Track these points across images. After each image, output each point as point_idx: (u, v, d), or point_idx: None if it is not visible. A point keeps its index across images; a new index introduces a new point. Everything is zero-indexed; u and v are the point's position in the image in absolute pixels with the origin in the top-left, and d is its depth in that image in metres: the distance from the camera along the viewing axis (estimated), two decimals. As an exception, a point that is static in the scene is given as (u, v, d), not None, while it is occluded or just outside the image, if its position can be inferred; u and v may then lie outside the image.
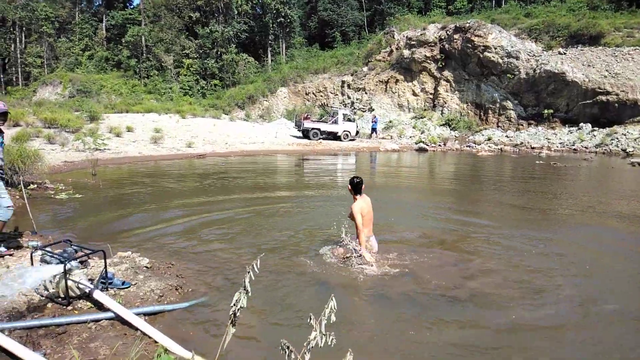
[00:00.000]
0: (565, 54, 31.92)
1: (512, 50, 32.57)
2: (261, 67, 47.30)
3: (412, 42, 37.23)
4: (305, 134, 27.42)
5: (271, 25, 47.10)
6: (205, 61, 43.88)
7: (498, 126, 33.24)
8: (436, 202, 10.33)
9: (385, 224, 7.84)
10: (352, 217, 5.55)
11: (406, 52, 37.12)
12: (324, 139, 27.28)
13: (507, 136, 30.49)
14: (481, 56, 33.59)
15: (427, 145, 26.14)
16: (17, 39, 49.33)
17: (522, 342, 3.81)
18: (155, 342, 3.35)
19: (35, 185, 9.99)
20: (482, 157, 22.00)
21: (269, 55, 48.07)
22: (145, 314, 3.84)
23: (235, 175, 14.38)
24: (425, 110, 36.62)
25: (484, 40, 33.45)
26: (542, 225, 8.22)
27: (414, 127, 33.29)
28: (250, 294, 2.04)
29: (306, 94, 41.21)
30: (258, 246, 6.37)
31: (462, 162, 20.30)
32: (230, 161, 18.21)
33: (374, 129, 31.22)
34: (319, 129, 27.43)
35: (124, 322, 3.60)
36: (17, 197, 8.21)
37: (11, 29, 48.95)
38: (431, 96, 37.09)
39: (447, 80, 36.27)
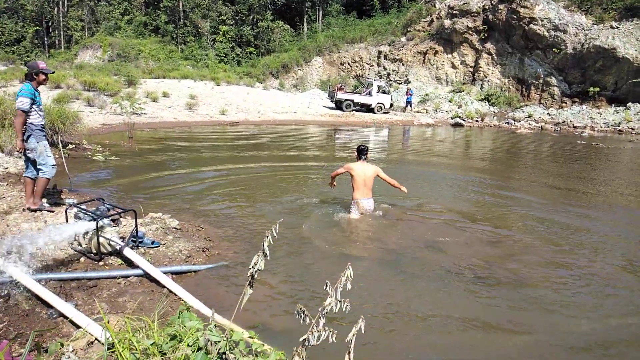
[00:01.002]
0: (617, 27, 29.98)
1: (560, 23, 30.86)
2: (297, 35, 46.67)
3: (454, 12, 35.79)
4: (338, 105, 27.14)
5: (308, -8, 46.18)
6: (241, 28, 43.66)
7: (540, 103, 31.91)
8: (468, 178, 10.08)
9: (416, 197, 7.74)
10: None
11: (447, 22, 35.77)
12: (357, 110, 26.95)
13: (548, 114, 29.26)
14: (526, 28, 32.02)
15: (464, 120, 25.40)
16: (60, 2, 50.41)
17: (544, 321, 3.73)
18: (181, 299, 3.45)
19: (74, 146, 10.36)
20: (520, 135, 21.25)
21: (305, 23, 47.31)
22: (172, 273, 3.96)
23: (266, 144, 14.47)
24: (464, 84, 35.45)
25: (531, 12, 31.78)
26: (579, 206, 7.92)
27: (450, 102, 32.35)
28: (268, 257, 2.04)
29: (341, 64, 40.55)
30: (286, 213, 6.42)
31: (499, 139, 19.68)
32: (262, 130, 18.30)
33: (408, 102, 30.46)
34: (352, 101, 27.07)
35: (152, 279, 3.72)
36: (57, 156, 8.51)
37: (54, -7, 49.98)
38: (471, 69, 35.83)
39: (489, 53, 34.87)
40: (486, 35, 34.47)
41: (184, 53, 43.68)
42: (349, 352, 1.71)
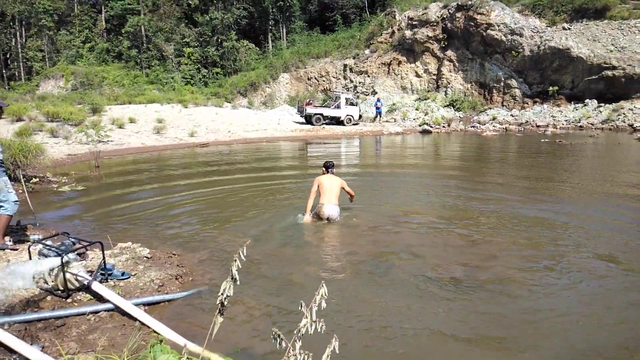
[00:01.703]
0: (569, 29, 31.34)
1: (516, 27, 32.05)
2: (262, 53, 46.87)
3: (414, 22, 36.69)
4: (308, 120, 27.28)
5: (271, 10, 46.53)
6: (206, 49, 43.55)
7: (503, 105, 32.87)
8: (441, 182, 10.25)
9: (391, 204, 7.81)
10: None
11: (408, 33, 36.62)
12: (327, 124, 27.13)
13: (512, 115, 30.15)
14: (484, 34, 33.08)
15: (431, 126, 25.91)
16: (17, 33, 49.20)
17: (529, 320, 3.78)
18: (154, 331, 3.35)
19: (38, 179, 10.03)
20: (486, 138, 21.80)
21: (270, 41, 47.60)
22: (144, 304, 3.84)
23: (237, 163, 14.37)
24: (429, 91, 36.25)
25: (487, 18, 32.91)
26: (551, 202, 8.14)
27: (417, 109, 32.99)
28: (238, 282, 2.00)
29: (308, 79, 40.89)
30: (258, 231, 6.36)
31: (467, 143, 20.13)
32: (233, 149, 18.19)
33: (378, 112, 30.87)
34: (321, 114, 27.28)
35: (124, 312, 3.60)
36: (20, 191, 8.23)
37: (11, 24, 48.83)
38: (434, 77, 36.68)
39: (450, 60, 35.81)
40: (446, 43, 35.43)
41: (149, 77, 43.19)
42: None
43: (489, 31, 32.88)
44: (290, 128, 25.51)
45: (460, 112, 32.23)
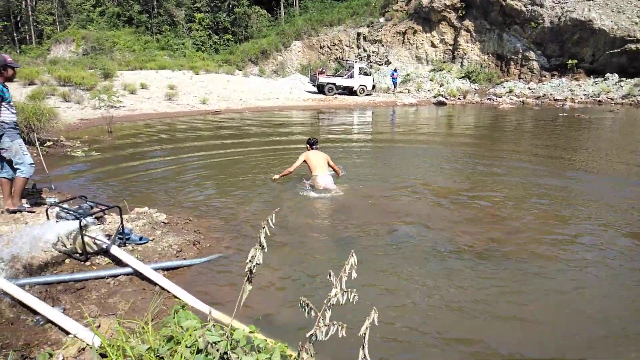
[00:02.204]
0: (593, 0, 30.20)
1: (537, -3, 30.96)
2: (274, 20, 45.94)
3: (432, -11, 35.55)
4: (321, 89, 26.87)
5: (284, -25, 45.34)
6: (217, 15, 42.76)
7: (520, 78, 32.09)
8: (458, 154, 10.04)
9: (409, 175, 7.69)
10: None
11: (425, 1, 35.55)
12: (339, 93, 26.71)
13: (529, 88, 29.43)
14: (504, 4, 32.01)
15: (446, 98, 25.37)
16: (27, -5, 48.61)
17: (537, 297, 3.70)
18: (174, 296, 3.32)
19: (52, 143, 10.01)
20: (503, 110, 21.33)
21: (282, 8, 46.54)
22: (163, 269, 3.81)
23: (250, 130, 14.24)
24: (444, 62, 35.44)
25: (508, -14, 31.78)
26: (572, 175, 7.95)
27: (432, 80, 32.32)
28: (266, 250, 1.92)
29: (321, 47, 40.11)
30: (274, 200, 6.30)
31: (483, 115, 19.73)
32: (245, 117, 18.01)
33: (394, 83, 30.19)
34: (334, 84, 26.82)
35: (143, 277, 3.58)
36: (34, 154, 8.21)
37: (21, -15, 48.21)
38: (451, 47, 35.79)
39: (468, 30, 34.82)
40: (464, 12, 34.38)
41: (159, 43, 42.70)
42: (363, 347, 1.61)
43: (508, 1, 31.79)
44: (303, 97, 25.16)
45: (476, 84, 31.54)
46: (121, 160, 9.31)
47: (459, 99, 25.70)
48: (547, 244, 4.76)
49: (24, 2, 48.94)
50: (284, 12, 46.44)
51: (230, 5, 42.94)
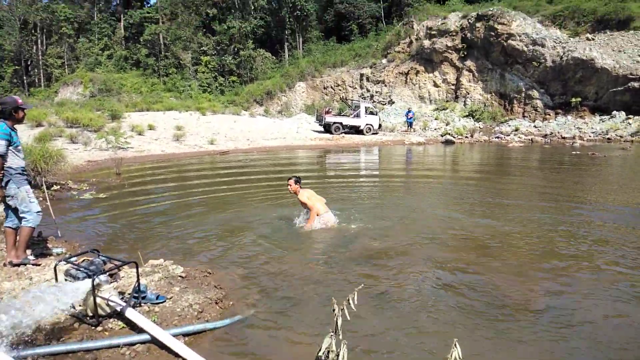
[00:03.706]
0: (593, 39, 30.66)
1: (538, 38, 31.45)
2: (278, 62, 46.77)
3: (433, 32, 36.28)
4: (327, 129, 26.83)
5: (287, 20, 46.49)
6: (223, 58, 43.57)
7: (524, 116, 32.13)
8: (476, 195, 9.67)
9: (424, 217, 7.28)
10: (305, 204, 6.65)
11: (426, 43, 36.21)
12: (346, 133, 26.65)
13: (535, 126, 29.35)
14: (505, 44, 32.50)
15: (454, 137, 25.23)
16: (39, 41, 49.90)
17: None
18: (200, 371, 2.87)
19: (59, 187, 9.68)
20: (513, 149, 21.09)
21: (286, 50, 47.51)
22: (184, 335, 3.36)
23: (260, 171, 13.95)
24: (447, 101, 35.68)
25: (508, 28, 32.37)
26: (606, 214, 7.53)
27: (436, 119, 32.40)
28: (341, 337, 1.51)
29: (324, 88, 40.58)
30: (298, 250, 5.88)
31: (496, 154, 19.46)
32: (253, 157, 17.78)
33: (409, 123, 29.51)
34: (340, 123, 26.80)
35: (162, 345, 3.13)
36: (40, 198, 7.85)
37: (32, 31, 49.56)
38: (453, 87, 36.14)
39: (470, 70, 35.25)
40: (466, 53, 34.92)
41: (166, 85, 43.28)
42: None
43: (509, 41, 32.31)
44: (310, 137, 25.07)
45: (480, 123, 31.55)
46: (130, 204, 8.94)
47: (466, 137, 25.56)
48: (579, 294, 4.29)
49: (34, 47, 50.10)
50: (288, 55, 47.35)
51: (236, 49, 43.82)
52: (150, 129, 21.32)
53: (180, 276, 4.40)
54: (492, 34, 32.95)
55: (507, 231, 6.73)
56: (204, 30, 46.58)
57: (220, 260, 5.37)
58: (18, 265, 4.65)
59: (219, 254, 5.65)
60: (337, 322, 1.51)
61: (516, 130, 27.94)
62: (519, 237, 6.41)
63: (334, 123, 26.63)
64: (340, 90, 40.02)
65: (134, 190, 10.43)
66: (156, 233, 6.69)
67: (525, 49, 31.85)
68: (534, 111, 32.06)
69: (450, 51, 35.61)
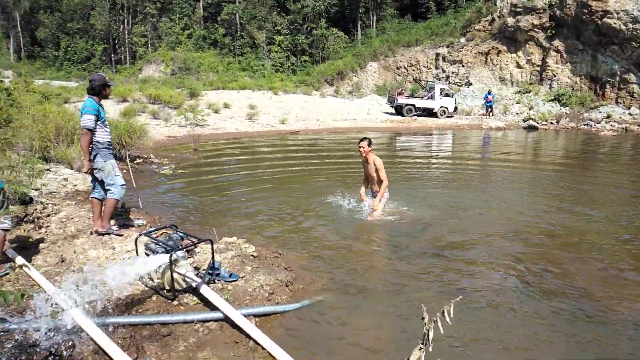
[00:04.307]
0: None
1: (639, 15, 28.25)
2: (350, 41, 46.16)
3: (518, 9, 33.79)
4: (399, 110, 26.14)
5: (362, -3, 45.60)
6: (296, 37, 43.78)
7: (617, 102, 29.24)
8: (562, 187, 8.92)
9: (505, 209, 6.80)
10: (377, 170, 6.10)
11: (510, 20, 33.84)
12: (418, 115, 25.83)
13: (630, 114, 26.66)
14: (599, 23, 29.53)
15: (537, 122, 23.52)
16: (125, 20, 53.14)
17: None
18: (270, 355, 2.82)
19: (141, 160, 10.21)
20: (605, 137, 19.30)
21: (359, 29, 46.70)
22: (255, 316, 3.35)
23: (328, 152, 13.89)
24: (531, 84, 33.29)
25: (604, 5, 29.31)
26: None
27: (518, 103, 30.39)
28: (430, 349, 1.34)
29: (397, 68, 39.50)
30: (367, 236, 5.73)
31: (584, 143, 17.87)
32: (323, 138, 17.74)
33: (489, 106, 27.63)
34: (413, 105, 25.98)
35: (234, 324, 3.13)
36: (124, 171, 8.31)
37: (120, 11, 52.82)
38: (538, 68, 33.59)
39: (557, 51, 32.52)
40: (554, 32, 32.19)
41: (241, 64, 44.41)
42: None
43: (605, 19, 29.30)
44: (380, 118, 24.59)
45: (567, 108, 29.15)
46: (206, 179, 9.25)
47: (551, 123, 23.75)
48: None
49: (121, 26, 53.43)
50: (361, 34, 46.54)
51: (309, 28, 43.80)
52: (225, 107, 21.95)
53: (252, 255, 4.42)
54: (585, 11, 30.05)
55: (595, 229, 6.13)
56: (279, 9, 46.95)
57: (289, 242, 5.36)
58: (103, 234, 4.92)
59: (288, 235, 5.65)
60: (428, 334, 1.33)
61: (608, 117, 25.53)
62: (608, 235, 5.81)
63: (406, 105, 25.86)
64: (413, 70, 38.77)
65: (210, 166, 10.80)
66: (229, 210, 6.84)
67: (623, 27, 28.78)
68: (629, 97, 29.06)
69: (536, 30, 33.04)
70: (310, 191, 8.09)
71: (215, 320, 3.22)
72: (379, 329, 3.45)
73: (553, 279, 4.43)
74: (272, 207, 6.94)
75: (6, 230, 3.91)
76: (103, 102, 5.00)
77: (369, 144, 6.07)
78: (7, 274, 3.85)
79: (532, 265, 4.77)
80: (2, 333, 2.77)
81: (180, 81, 30.93)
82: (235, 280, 3.81)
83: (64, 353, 2.69)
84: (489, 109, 27.57)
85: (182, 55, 43.92)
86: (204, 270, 3.83)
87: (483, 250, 5.23)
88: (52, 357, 2.65)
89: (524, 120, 24.39)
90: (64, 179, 7.40)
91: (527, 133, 21.11)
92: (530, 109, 28.15)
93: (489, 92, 28.36)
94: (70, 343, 2.76)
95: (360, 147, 6.11)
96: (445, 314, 1.34)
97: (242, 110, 21.65)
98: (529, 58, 33.92)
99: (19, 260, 3.98)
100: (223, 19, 45.98)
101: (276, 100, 26.22)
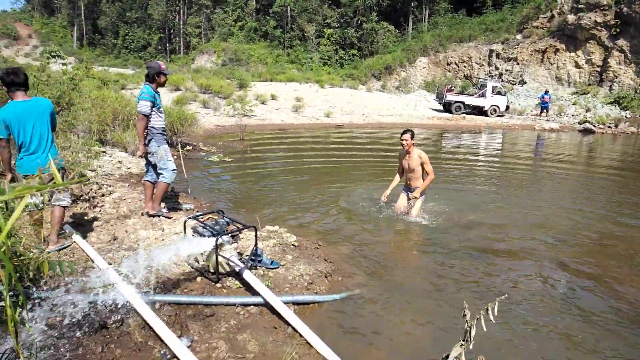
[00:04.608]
0: None
1: None
2: (401, 35, 45.47)
3: (580, 6, 32.11)
4: (447, 108, 25.56)
5: (415, -9, 44.78)
6: (346, 30, 43.64)
7: (684, 108, 27.31)
8: (618, 194, 8.46)
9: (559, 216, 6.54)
10: (422, 164, 5.92)
11: (571, 18, 32.24)
12: (467, 113, 25.16)
13: (701, 120, 24.84)
14: (673, 21, 27.66)
15: (594, 125, 22.33)
16: (181, 11, 54.82)
17: None
18: (307, 343, 2.88)
19: (191, 147, 10.57)
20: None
21: (410, 23, 45.90)
22: (294, 303, 3.42)
23: (371, 146, 13.81)
24: (589, 85, 31.64)
25: (679, 2, 27.40)
26: None
27: (574, 104, 28.95)
28: (471, 346, 1.33)
29: (448, 64, 38.58)
30: (407, 232, 5.69)
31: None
32: (367, 133, 17.65)
33: (545, 108, 26.00)
34: (462, 102, 25.32)
35: (273, 310, 3.21)
36: (175, 157, 8.62)
37: (176, 2, 54.51)
38: (598, 69, 31.87)
39: (621, 51, 30.69)
40: (618, 30, 30.37)
41: (289, 57, 44.83)
42: None
43: (680, 16, 27.41)
44: (427, 115, 24.16)
45: (628, 112, 27.47)
46: (250, 168, 9.48)
47: (609, 127, 22.50)
48: None
49: (177, 17, 55.16)
50: (412, 28, 45.76)
51: (359, 21, 43.52)
52: (272, 99, 22.27)
53: (293, 244, 4.50)
54: (657, 8, 28.22)
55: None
56: (330, 2, 46.90)
57: (329, 233, 5.41)
58: (153, 216, 5.15)
59: (327, 227, 5.70)
60: (469, 331, 1.32)
61: (675, 122, 23.89)
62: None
63: (455, 102, 25.25)
64: (465, 67, 37.75)
65: (255, 155, 11.03)
66: (271, 198, 7.00)
67: (698, 27, 26.84)
68: (701, 101, 27.11)
69: (599, 28, 31.30)
70: (352, 185, 8.12)
71: (256, 304, 3.31)
72: (415, 325, 3.44)
73: (600, 289, 4.24)
74: (314, 198, 7.03)
75: (65, 207, 4.18)
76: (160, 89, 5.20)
77: (412, 137, 5.92)
78: (65, 247, 4.12)
79: (578, 273, 4.58)
80: (58, 305, 2.97)
81: (230, 72, 31.63)
82: (276, 268, 3.90)
83: (113, 326, 2.86)
84: (544, 110, 26.21)
85: (233, 47, 44.85)
86: (246, 255, 3.94)
87: (526, 254, 5.07)
88: (103, 329, 2.82)
89: (580, 123, 23.22)
90: (119, 161, 7.78)
91: (582, 136, 20.10)
92: (587, 111, 26.75)
93: (546, 92, 26.82)
94: (119, 317, 2.93)
95: (402, 140, 5.93)
96: (490, 312, 1.32)
97: (288, 102, 21.89)
98: (588, 58, 32.25)
99: (75, 236, 4.24)
100: (275, 11, 46.54)
101: (322, 94, 26.30)
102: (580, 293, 4.13)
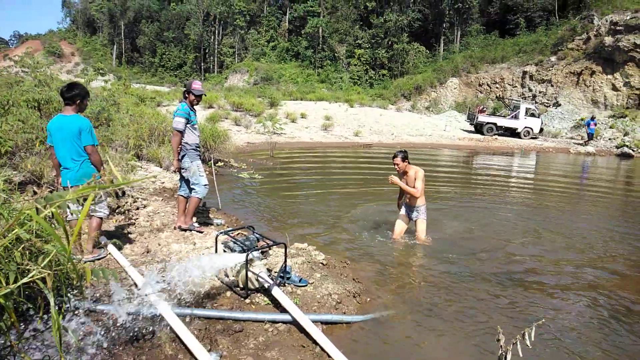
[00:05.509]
0: None
1: None
2: (432, 56, 45.47)
3: (618, 28, 31.43)
4: (478, 129, 25.25)
5: (447, 12, 44.81)
6: (376, 51, 43.99)
7: None
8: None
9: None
10: (415, 181, 5.67)
11: (608, 40, 31.54)
12: (499, 134, 24.77)
13: None
14: None
15: (633, 150, 21.59)
16: (216, 31, 56.58)
17: None
18: (336, 364, 2.86)
19: (222, 164, 10.77)
20: None
21: (442, 44, 45.90)
22: (322, 322, 3.41)
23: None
24: (627, 108, 30.68)
25: None
26: None
27: (611, 128, 28.10)
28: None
29: (479, 85, 38.25)
30: (436, 253, 5.60)
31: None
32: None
33: (590, 134, 24.45)
34: (494, 124, 24.97)
35: (301, 328, 3.21)
36: (207, 172, 8.80)
37: (212, 23, 56.36)
38: (637, 92, 30.92)
39: (662, 73, 29.78)
40: (659, 52, 29.53)
41: (320, 76, 45.46)
42: None
43: None
44: (458, 136, 23.89)
45: (668, 137, 26.44)
46: (280, 186, 9.59)
47: (647, 151, 21.70)
48: None
49: (212, 37, 56.89)
50: (443, 49, 45.71)
51: (390, 42, 43.82)
52: (302, 117, 22.52)
53: (321, 263, 4.49)
54: (701, 30, 27.34)
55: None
56: (361, 23, 47.52)
57: (357, 253, 5.39)
58: (185, 230, 5.25)
59: (355, 245, 5.69)
60: (505, 356, 1.30)
61: None
62: None
63: (487, 123, 24.93)
64: (497, 88, 37.34)
65: (285, 173, 11.15)
66: (300, 216, 7.04)
67: None
68: None
69: (638, 50, 30.50)
70: (379, 203, 8.07)
71: (284, 322, 3.31)
72: (445, 349, 3.37)
73: (634, 316, 4.05)
74: (342, 217, 7.02)
75: (102, 218, 4.32)
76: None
77: (404, 158, 5.73)
78: (101, 258, 4.24)
79: (612, 298, 4.40)
80: (92, 314, 3.05)
81: (261, 91, 32.25)
82: (305, 286, 3.90)
83: (145, 337, 2.91)
84: (590, 137, 24.57)
85: (265, 66, 45.86)
86: (275, 272, 3.96)
87: (558, 278, 4.92)
88: (135, 341, 2.87)
89: (617, 147, 22.48)
90: (154, 176, 7.99)
91: (619, 160, 19.44)
92: (625, 135, 25.90)
93: (592, 118, 25.31)
94: (151, 329, 2.98)
95: (394, 165, 5.74)
96: (526, 337, 1.29)
97: (317, 121, 22.08)
98: (627, 80, 31.38)
99: (111, 247, 4.36)
100: (307, 32, 47.43)
101: (351, 113, 26.44)
102: (615, 326, 3.95)
